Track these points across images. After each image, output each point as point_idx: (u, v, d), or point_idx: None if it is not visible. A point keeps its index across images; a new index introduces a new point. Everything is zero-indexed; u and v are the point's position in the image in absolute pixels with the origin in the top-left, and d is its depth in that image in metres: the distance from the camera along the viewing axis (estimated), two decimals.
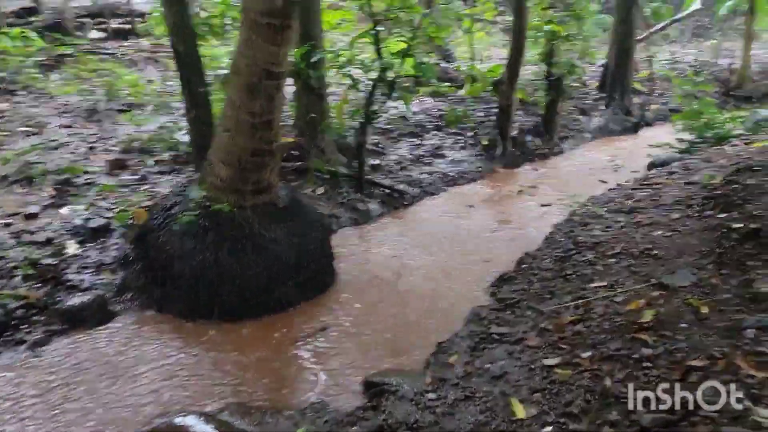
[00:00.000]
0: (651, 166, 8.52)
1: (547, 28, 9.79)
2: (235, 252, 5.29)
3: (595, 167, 9.93)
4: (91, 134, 8.61)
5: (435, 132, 10.35)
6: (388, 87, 7.56)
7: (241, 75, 4.93)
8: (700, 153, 8.39)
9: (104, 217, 6.21)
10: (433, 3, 9.84)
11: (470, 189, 9.00)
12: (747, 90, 14.62)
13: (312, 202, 7.36)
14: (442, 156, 9.67)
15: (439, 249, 6.86)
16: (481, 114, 10.81)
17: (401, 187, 8.40)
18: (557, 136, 10.96)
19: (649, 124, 12.74)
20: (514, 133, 10.37)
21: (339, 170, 7.98)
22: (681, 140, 9.27)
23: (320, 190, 7.80)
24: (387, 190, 8.21)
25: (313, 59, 7.28)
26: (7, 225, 5.99)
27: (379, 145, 9.52)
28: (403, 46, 7.34)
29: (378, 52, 7.26)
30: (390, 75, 7.34)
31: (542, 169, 10.02)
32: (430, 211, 8.08)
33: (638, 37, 13.13)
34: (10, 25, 11.58)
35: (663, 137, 10.14)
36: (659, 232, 5.50)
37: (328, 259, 6.15)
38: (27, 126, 8.63)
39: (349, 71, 7.27)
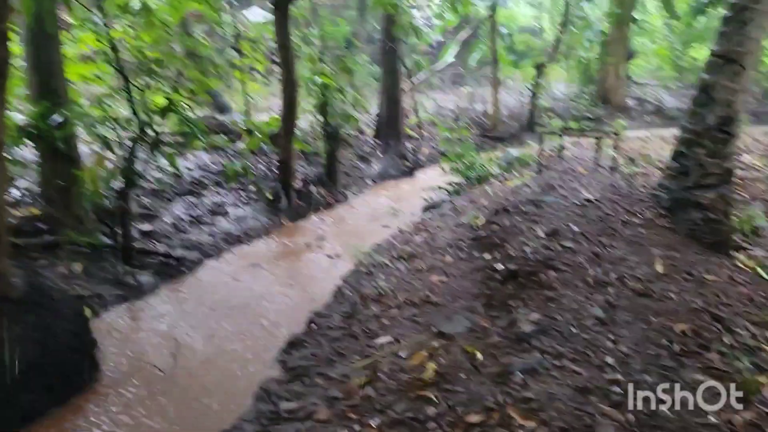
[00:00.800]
0: (425, 209, 8.97)
1: (318, 80, 9.93)
2: None
3: (378, 213, 10.22)
4: None
5: (215, 188, 9.79)
6: (151, 146, 6.91)
7: None
8: (467, 194, 9.08)
9: None
10: (198, 54, 9.39)
11: (256, 247, 8.59)
12: (499, 131, 16.55)
13: (65, 284, 6.34)
14: (224, 214, 9.14)
15: (223, 319, 6.32)
16: (263, 167, 10.54)
17: (178, 252, 7.68)
18: (340, 185, 11.12)
19: (423, 167, 13.63)
20: (297, 184, 10.25)
21: (100, 241, 7.02)
22: (449, 182, 9.98)
23: (78, 267, 6.76)
24: (161, 258, 7.44)
25: (57, 119, 6.35)
26: None
27: (151, 208, 8.67)
28: (164, 101, 6.78)
29: (133, 109, 6.59)
30: (151, 133, 6.71)
31: (329, 218, 10.02)
32: (212, 277, 7.49)
33: (404, 87, 14.12)
34: None
35: (435, 179, 10.87)
36: (436, 278, 5.68)
37: (87, 351, 5.24)
38: None
39: (100, 131, 6.46)
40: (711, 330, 4.00)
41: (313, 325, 5.89)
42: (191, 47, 8.60)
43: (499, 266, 4.93)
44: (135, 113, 6.56)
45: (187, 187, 9.51)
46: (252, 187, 9.85)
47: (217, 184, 9.89)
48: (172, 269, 7.38)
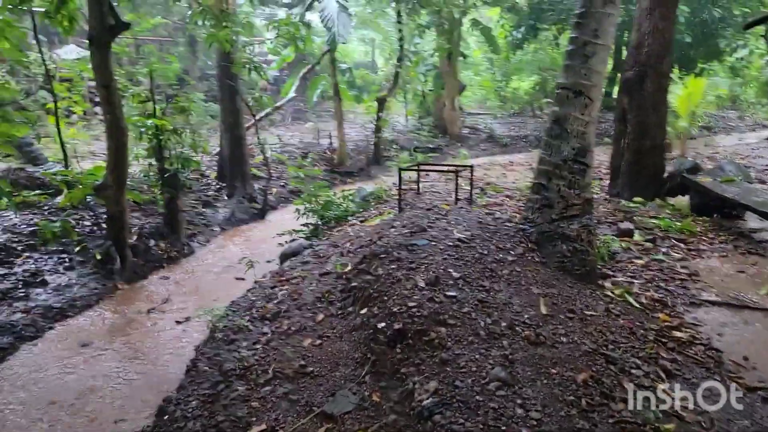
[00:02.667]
0: (283, 257, 8.26)
1: (150, 122, 8.84)
2: None
3: (230, 263, 9.27)
4: None
5: (29, 254, 8.19)
6: None
7: None
8: (326, 236, 8.55)
9: None
10: None
11: (85, 320, 7.24)
12: (347, 166, 16.34)
13: None
14: (43, 283, 7.64)
15: (46, 421, 5.07)
16: (89, 223, 9.10)
17: None
18: (184, 235, 10.00)
19: (274, 208, 12.87)
20: (132, 239, 8.98)
21: None
22: (306, 224, 9.38)
23: None
24: None
25: None
26: None
27: None
28: None
29: None
30: None
31: (173, 275, 8.87)
32: (30, 366, 6.09)
33: (247, 125, 13.33)
34: None
35: (289, 221, 10.19)
36: (309, 341, 5.03)
37: None
38: None
39: None
40: (608, 374, 3.84)
41: (166, 415, 4.91)
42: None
43: (382, 324, 4.43)
44: None
45: None
46: (77, 248, 8.40)
47: (31, 248, 8.30)
48: None
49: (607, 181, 10.62)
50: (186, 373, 5.60)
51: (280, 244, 9.17)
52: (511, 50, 24.15)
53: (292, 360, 4.76)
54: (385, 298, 4.78)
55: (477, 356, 3.83)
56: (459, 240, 5.52)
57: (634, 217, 8.20)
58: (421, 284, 4.67)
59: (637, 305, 5.26)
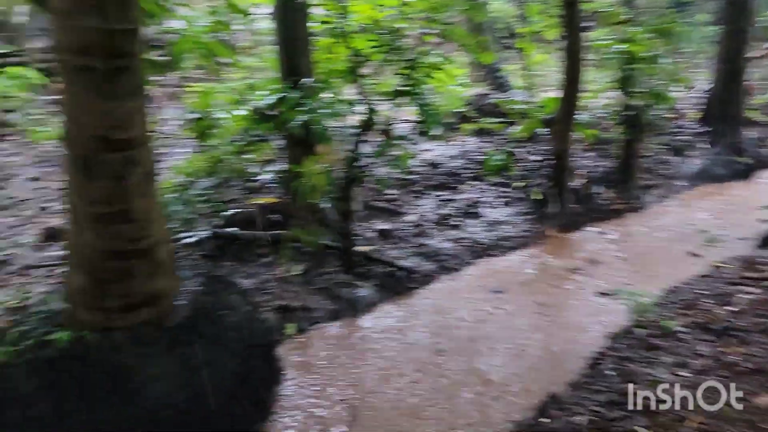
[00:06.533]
0: (764, 241, 5.95)
1: (618, 47, 7.47)
2: (90, 398, 3.62)
3: (687, 231, 7.39)
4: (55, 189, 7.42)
5: (473, 182, 8.28)
6: (386, 137, 5.74)
7: (72, 145, 3.28)
8: None
9: None
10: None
11: (506, 263, 6.83)
12: None
13: (281, 289, 5.66)
14: (476, 215, 7.58)
15: (439, 366, 4.82)
16: (538, 158, 8.58)
17: (409, 262, 6.44)
18: (637, 186, 8.48)
19: (767, 166, 9.84)
20: (577, 182, 8.08)
21: (323, 241, 6.19)
22: None
23: (298, 269, 6.04)
24: (389, 268, 6.29)
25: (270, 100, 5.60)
26: None
27: (397, 203, 7.62)
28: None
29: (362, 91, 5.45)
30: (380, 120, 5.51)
31: (611, 232, 7.61)
32: (441, 299, 6.02)
33: (753, 54, 10.29)
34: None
35: None
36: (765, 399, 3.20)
37: (260, 395, 4.31)
38: None
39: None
40: None
41: (544, 418, 3.98)
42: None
43: None
44: (364, 97, 5.42)
45: (442, 180, 8.21)
46: (517, 184, 8.03)
47: (477, 177, 8.36)
48: (398, 283, 6.16)
49: None
50: (584, 372, 4.51)
51: (764, 219, 6.74)
52: None
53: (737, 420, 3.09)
54: None
55: None
56: None
57: None
58: None
59: None
